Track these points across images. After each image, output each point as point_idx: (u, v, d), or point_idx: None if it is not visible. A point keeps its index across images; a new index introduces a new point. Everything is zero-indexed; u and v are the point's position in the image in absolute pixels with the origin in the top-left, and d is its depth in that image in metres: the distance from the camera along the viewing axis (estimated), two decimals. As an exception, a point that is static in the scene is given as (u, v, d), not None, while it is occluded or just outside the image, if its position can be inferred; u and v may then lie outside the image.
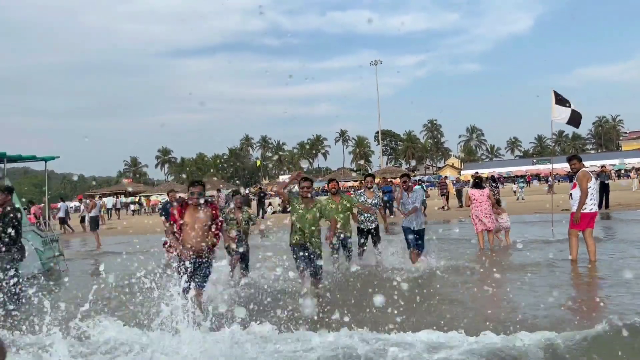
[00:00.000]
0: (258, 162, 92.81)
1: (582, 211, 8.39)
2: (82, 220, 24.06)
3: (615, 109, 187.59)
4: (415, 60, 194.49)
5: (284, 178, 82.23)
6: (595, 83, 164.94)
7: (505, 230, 11.36)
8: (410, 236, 9.05)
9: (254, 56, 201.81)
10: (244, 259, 8.61)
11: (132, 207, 54.02)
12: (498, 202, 11.40)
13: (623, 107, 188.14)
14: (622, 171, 61.62)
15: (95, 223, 18.15)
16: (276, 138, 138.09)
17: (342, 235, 8.91)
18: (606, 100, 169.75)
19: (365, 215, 9.38)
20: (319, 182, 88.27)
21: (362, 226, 9.46)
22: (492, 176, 21.93)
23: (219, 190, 35.09)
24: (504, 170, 72.06)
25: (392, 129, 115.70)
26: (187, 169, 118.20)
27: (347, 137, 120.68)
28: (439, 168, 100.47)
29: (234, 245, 7.91)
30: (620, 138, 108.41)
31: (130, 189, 77.21)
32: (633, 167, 63.25)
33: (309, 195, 7.44)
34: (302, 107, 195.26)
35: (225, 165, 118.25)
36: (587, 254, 8.52)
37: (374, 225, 9.48)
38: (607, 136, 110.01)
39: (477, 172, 18.59)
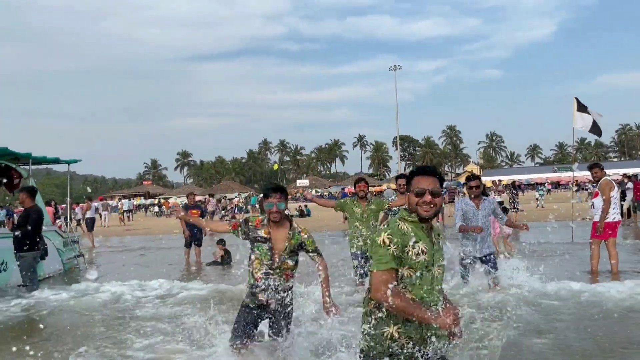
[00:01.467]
0: (276, 166, 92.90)
1: (605, 220, 8.26)
2: (79, 222, 24.33)
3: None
4: (435, 65, 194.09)
5: (301, 182, 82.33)
6: (619, 90, 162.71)
7: (505, 236, 11.28)
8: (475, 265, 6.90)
9: (274, 61, 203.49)
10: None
11: (151, 209, 54.64)
12: (505, 210, 11.22)
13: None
14: (646, 180, 60.40)
15: (91, 224, 19.34)
16: (294, 142, 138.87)
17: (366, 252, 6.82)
18: (630, 107, 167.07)
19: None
20: (337, 186, 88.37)
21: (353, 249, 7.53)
22: (513, 182, 21.67)
23: (211, 196, 35.09)
24: (524, 177, 71.10)
25: (410, 135, 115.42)
26: (206, 172, 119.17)
27: (365, 142, 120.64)
28: (458, 174, 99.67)
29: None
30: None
31: (149, 191, 78.12)
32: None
33: (365, 195, 7.40)
34: (320, 112, 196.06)
35: (243, 169, 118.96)
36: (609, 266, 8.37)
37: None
38: (631, 144, 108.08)
39: (496, 180, 18.39)
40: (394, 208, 7.52)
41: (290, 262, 4.10)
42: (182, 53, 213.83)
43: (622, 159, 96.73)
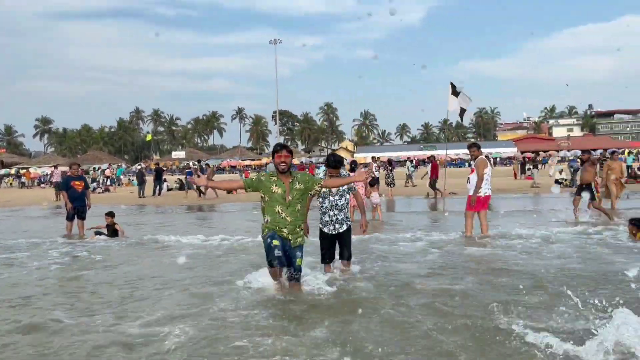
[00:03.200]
0: (149, 136, 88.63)
1: (478, 195, 9.36)
2: None
3: (494, 101, 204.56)
4: (314, 42, 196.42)
5: (177, 154, 79.58)
6: (477, 76, 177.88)
7: (375, 206, 13.01)
8: None
9: (148, 25, 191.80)
10: None
11: (5, 180, 49.60)
12: (373, 183, 13.17)
13: (500, 100, 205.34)
14: (498, 159, 67.40)
15: None
16: (169, 112, 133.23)
17: (298, 240, 5.67)
18: (486, 92, 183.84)
19: (332, 212, 6.35)
20: (215, 159, 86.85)
21: (325, 230, 6.43)
22: (389, 160, 23.19)
23: (55, 167, 32.98)
24: (394, 154, 75.65)
25: (289, 110, 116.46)
26: (71, 140, 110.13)
27: (245, 115, 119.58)
28: (334, 150, 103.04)
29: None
30: (497, 129, 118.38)
31: (3, 160, 70.59)
32: (513, 155, 69.48)
33: (289, 169, 5.57)
34: (198, 82, 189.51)
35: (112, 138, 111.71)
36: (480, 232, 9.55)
37: (344, 227, 6.38)
38: (486, 126, 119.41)
39: (373, 157, 19.64)
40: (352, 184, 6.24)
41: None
42: (42, 9, 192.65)
43: (479, 139, 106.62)
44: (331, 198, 6.34)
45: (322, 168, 23.98)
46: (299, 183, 5.61)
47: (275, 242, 5.37)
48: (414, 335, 4.33)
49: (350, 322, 4.67)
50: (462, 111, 15.15)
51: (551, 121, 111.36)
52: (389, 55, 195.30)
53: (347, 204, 6.44)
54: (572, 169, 26.58)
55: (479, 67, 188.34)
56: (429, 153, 73.57)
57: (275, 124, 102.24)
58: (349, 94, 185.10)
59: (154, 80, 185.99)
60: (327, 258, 6.54)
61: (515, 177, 33.65)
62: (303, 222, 5.75)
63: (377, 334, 4.39)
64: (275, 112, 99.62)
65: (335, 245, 6.54)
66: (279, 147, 5.58)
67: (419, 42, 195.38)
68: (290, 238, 5.56)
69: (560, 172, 27.82)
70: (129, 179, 44.46)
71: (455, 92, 14.85)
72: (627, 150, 50.34)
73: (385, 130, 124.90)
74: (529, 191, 23.14)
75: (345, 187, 6.30)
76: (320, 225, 6.52)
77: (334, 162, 6.40)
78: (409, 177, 29.55)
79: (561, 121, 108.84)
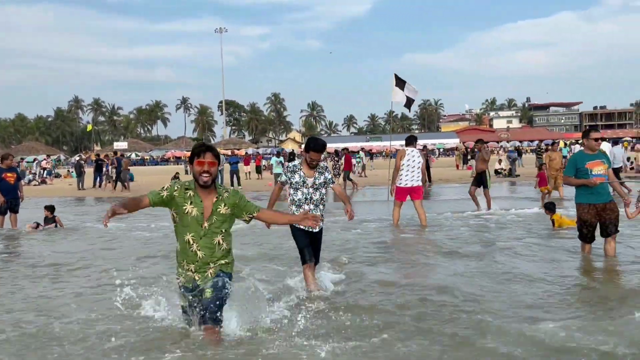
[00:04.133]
0: (89, 127, 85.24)
1: (397, 185, 9.70)
2: None
3: (438, 93, 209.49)
4: (260, 32, 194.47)
5: (119, 145, 77.00)
6: (422, 68, 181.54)
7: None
8: None
9: (88, 11, 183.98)
10: None
11: None
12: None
13: (444, 92, 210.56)
14: (441, 150, 69.24)
15: None
16: (110, 102, 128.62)
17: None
18: (429, 84, 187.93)
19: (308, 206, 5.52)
20: (159, 150, 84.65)
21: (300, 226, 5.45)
22: (336, 151, 23.37)
23: None
24: (341, 145, 76.33)
25: (236, 100, 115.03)
26: (4, 130, 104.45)
27: (189, 105, 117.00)
28: (281, 141, 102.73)
29: None
30: (440, 120, 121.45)
31: None
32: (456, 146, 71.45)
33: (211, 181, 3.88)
34: (140, 70, 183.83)
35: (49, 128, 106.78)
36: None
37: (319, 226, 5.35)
38: (430, 118, 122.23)
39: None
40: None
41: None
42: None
43: (423, 131, 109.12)
44: (304, 190, 5.44)
45: (275, 159, 23.85)
46: (225, 205, 3.88)
47: (183, 305, 4.05)
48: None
49: None
50: (410, 101, 15.41)
51: (492, 113, 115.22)
52: (336, 46, 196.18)
53: (323, 199, 5.58)
54: (510, 160, 27.69)
55: (423, 59, 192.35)
56: (375, 144, 74.90)
57: (222, 114, 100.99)
58: (297, 85, 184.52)
59: (94, 69, 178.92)
60: (308, 256, 5.43)
61: (458, 168, 34.72)
62: (225, 259, 3.93)
63: None
64: (221, 102, 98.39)
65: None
66: (201, 150, 3.85)
67: (365, 34, 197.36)
68: (197, 280, 3.86)
69: (500, 162, 28.92)
70: (68, 171, 42.71)
71: (400, 83, 15.08)
72: (562, 142, 52.82)
73: (332, 122, 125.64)
74: (469, 180, 23.91)
75: (321, 179, 5.46)
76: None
77: (321, 146, 5.40)
78: (363, 167, 30.43)
79: (501, 113, 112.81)
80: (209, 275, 3.85)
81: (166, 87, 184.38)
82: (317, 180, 5.48)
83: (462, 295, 5.09)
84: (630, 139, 65.82)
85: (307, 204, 5.47)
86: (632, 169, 25.30)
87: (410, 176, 9.66)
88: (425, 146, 27.09)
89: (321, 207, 5.57)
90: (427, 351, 3.71)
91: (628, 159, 28.06)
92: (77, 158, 50.01)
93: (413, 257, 7.33)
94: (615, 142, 25.92)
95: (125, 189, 22.54)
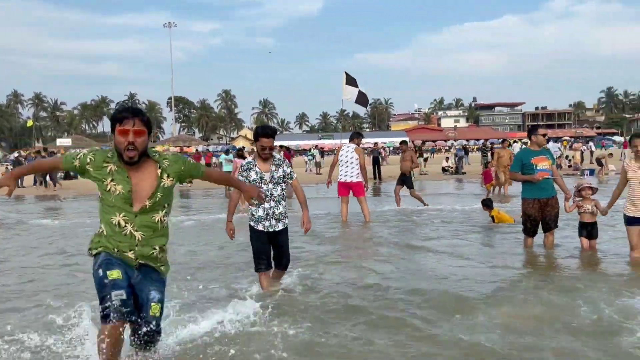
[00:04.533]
0: (30, 122, 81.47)
1: (338, 180, 9.93)
2: None
3: (387, 92, 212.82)
4: (211, 27, 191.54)
5: (62, 142, 74.00)
6: (373, 68, 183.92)
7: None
8: None
9: (29, 2, 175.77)
10: None
11: None
12: None
13: (394, 91, 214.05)
14: (391, 148, 70.33)
15: None
16: (53, 96, 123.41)
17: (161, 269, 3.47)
18: (380, 84, 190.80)
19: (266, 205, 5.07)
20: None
21: (259, 227, 5.09)
22: (287, 147, 23.29)
23: None
24: (293, 143, 76.24)
25: (185, 96, 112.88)
26: None
27: (137, 101, 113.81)
28: (233, 138, 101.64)
29: None
30: (390, 119, 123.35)
31: None
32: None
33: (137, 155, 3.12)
34: (85, 65, 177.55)
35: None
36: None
37: (282, 225, 5.15)
38: (380, 117, 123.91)
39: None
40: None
41: None
42: None
43: (374, 129, 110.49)
44: (263, 187, 4.97)
45: (223, 157, 23.53)
46: (168, 176, 3.19)
47: (113, 274, 3.02)
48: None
49: None
50: (364, 98, 15.55)
51: (440, 113, 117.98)
52: (288, 44, 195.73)
53: (284, 195, 5.17)
54: (457, 158, 28.45)
55: (374, 59, 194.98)
56: (327, 142, 75.27)
57: (171, 110, 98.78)
58: (248, 82, 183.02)
59: (35, 62, 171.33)
60: (263, 264, 5.08)
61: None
62: (165, 239, 3.30)
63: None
64: (170, 98, 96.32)
65: (271, 248, 5.16)
66: (124, 115, 3.03)
67: (317, 32, 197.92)
68: (139, 265, 3.17)
69: (447, 160, 29.67)
70: (7, 168, 40.75)
71: (350, 81, 15.23)
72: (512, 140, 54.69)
73: (284, 119, 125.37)
74: (417, 178, 24.40)
75: (279, 172, 5.05)
76: (252, 223, 5.09)
77: (271, 130, 5.06)
78: (318, 164, 30.62)
79: (449, 113, 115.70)
80: (156, 263, 3.24)
81: (113, 83, 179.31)
82: (274, 174, 5.05)
83: (402, 288, 5.19)
84: (569, 138, 68.96)
85: (268, 202, 5.02)
86: (570, 166, 26.50)
87: (345, 171, 9.81)
88: (376, 143, 27.47)
89: (283, 203, 5.13)
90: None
91: (567, 157, 29.35)
92: (16, 155, 47.80)
93: (352, 252, 7.46)
94: (554, 140, 27.08)
95: (55, 187, 21.72)
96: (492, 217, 9.36)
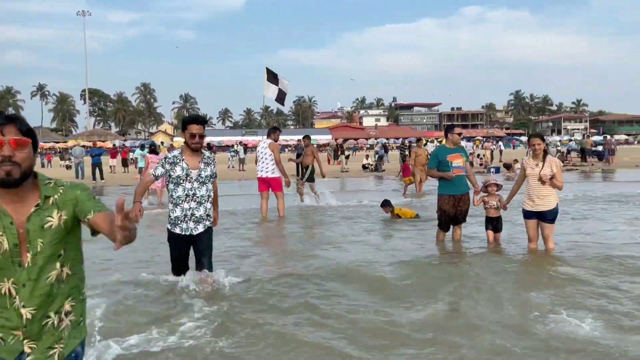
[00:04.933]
0: None
1: (257, 176, 10.07)
2: None
3: (311, 90, 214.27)
4: (129, 18, 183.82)
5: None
6: (296, 64, 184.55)
7: (156, 188, 13.14)
8: None
9: None
10: None
11: None
12: None
13: (317, 89, 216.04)
14: (315, 146, 70.92)
15: None
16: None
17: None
18: (305, 81, 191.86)
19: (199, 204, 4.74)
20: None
21: (176, 230, 4.73)
22: (208, 144, 22.91)
23: None
24: (216, 139, 74.97)
25: (101, 89, 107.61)
26: None
27: (47, 93, 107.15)
28: (152, 133, 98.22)
29: None
30: (314, 117, 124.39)
31: None
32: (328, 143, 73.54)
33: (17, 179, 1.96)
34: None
35: None
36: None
37: (202, 227, 4.77)
38: (304, 114, 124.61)
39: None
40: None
41: None
42: None
43: (298, 126, 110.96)
44: (187, 185, 4.58)
45: (139, 152, 22.74)
46: (57, 210, 2.05)
47: None
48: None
49: None
50: (283, 96, 15.56)
51: (362, 111, 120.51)
52: (210, 38, 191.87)
53: (210, 196, 4.73)
54: (377, 156, 29.23)
55: (297, 56, 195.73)
56: (251, 139, 74.69)
57: (85, 103, 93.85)
58: (169, 76, 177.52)
59: None
60: (178, 269, 4.87)
61: (329, 162, 35.89)
62: (77, 303, 2.19)
63: None
64: (84, 90, 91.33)
65: (189, 252, 4.84)
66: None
67: (240, 27, 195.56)
68: (31, 352, 2.03)
69: (367, 157, 30.43)
70: None
71: (272, 78, 15.20)
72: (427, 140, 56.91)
73: (206, 114, 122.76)
74: (340, 175, 24.88)
75: (208, 172, 4.66)
76: (169, 225, 4.74)
77: (201, 118, 4.75)
78: (241, 161, 30.34)
79: (370, 111, 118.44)
80: (59, 347, 2.09)
81: (20, 72, 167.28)
82: (203, 172, 4.63)
83: (314, 280, 5.31)
84: (481, 138, 72.86)
85: (188, 202, 4.59)
86: (481, 164, 28.03)
87: (261, 167, 9.92)
88: (299, 140, 27.65)
89: (207, 205, 4.70)
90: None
91: (478, 155, 31.00)
92: None
93: (266, 248, 7.51)
94: (468, 140, 28.48)
95: None
96: (397, 214, 9.66)
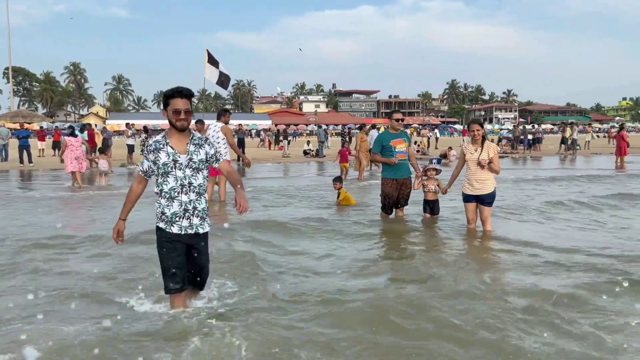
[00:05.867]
0: None
1: None
2: None
3: (250, 74, 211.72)
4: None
5: None
6: (235, 47, 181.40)
7: (101, 173, 13.78)
8: None
9: None
10: None
11: None
12: (102, 149, 14.88)
13: (256, 73, 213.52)
14: (254, 131, 70.23)
15: None
16: None
17: None
18: (243, 65, 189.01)
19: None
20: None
21: (174, 229, 3.76)
22: (145, 127, 22.27)
23: None
24: (151, 122, 72.59)
25: (26, 67, 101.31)
26: None
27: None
28: (82, 116, 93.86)
29: None
30: (254, 102, 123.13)
31: None
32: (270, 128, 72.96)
33: None
34: None
35: None
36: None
37: (206, 227, 3.89)
38: (244, 99, 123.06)
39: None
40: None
41: None
42: None
43: (237, 111, 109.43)
44: (178, 173, 3.69)
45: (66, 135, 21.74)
46: None
47: None
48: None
49: None
50: (226, 79, 15.31)
51: (302, 97, 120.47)
52: (144, 17, 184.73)
53: (206, 184, 3.86)
54: (319, 142, 29.42)
55: (235, 39, 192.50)
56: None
57: (8, 82, 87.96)
58: (100, 56, 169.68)
59: None
60: (179, 282, 3.74)
61: (270, 148, 35.77)
62: None
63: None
64: (7, 68, 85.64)
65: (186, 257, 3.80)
66: None
67: (174, 7, 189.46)
68: None
69: (308, 143, 30.56)
70: None
71: (212, 60, 14.92)
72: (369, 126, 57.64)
73: (141, 97, 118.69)
74: (281, 160, 24.86)
75: (201, 156, 3.76)
76: (162, 224, 3.74)
77: (186, 90, 3.77)
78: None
79: (310, 97, 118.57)
80: None
81: None
82: (194, 156, 3.73)
83: (268, 264, 5.36)
84: (417, 125, 74.78)
85: (186, 193, 3.69)
86: (418, 151, 28.84)
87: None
88: (240, 125, 27.31)
89: (206, 196, 3.86)
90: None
91: (415, 142, 31.88)
92: None
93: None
94: (405, 127, 29.19)
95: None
96: (339, 192, 9.65)
